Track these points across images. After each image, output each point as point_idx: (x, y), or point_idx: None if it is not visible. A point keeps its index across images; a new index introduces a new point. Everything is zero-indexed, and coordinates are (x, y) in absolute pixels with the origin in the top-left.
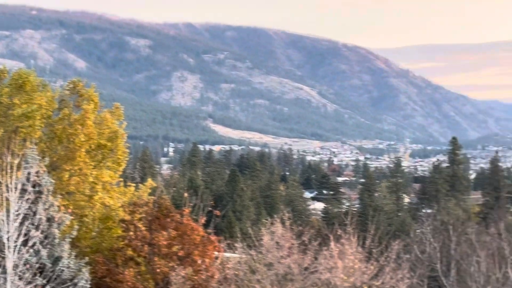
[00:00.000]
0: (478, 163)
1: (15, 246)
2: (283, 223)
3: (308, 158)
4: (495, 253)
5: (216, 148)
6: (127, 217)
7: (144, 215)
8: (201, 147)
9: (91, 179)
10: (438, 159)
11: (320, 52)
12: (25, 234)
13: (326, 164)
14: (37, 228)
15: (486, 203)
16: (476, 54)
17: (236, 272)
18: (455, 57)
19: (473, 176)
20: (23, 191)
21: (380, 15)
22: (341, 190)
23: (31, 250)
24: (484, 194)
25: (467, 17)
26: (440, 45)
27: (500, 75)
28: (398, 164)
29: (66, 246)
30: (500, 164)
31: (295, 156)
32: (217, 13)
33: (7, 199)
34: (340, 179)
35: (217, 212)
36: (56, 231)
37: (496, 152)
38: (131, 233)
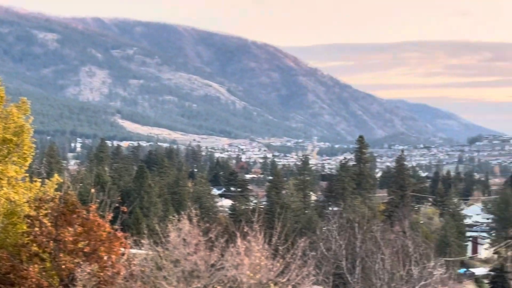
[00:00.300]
0: (384, 162)
1: None
2: (190, 219)
3: (217, 155)
4: (400, 251)
5: (124, 144)
6: (33, 213)
7: (50, 211)
8: (109, 143)
9: None
10: (345, 158)
11: (230, 50)
12: None
13: (234, 161)
14: None
15: (392, 201)
16: (383, 54)
17: (142, 269)
18: (363, 56)
19: (379, 174)
20: None
21: (289, 14)
22: (248, 187)
23: None
24: (389, 193)
25: (375, 17)
26: (348, 45)
27: (406, 75)
28: (305, 162)
29: None
30: (405, 163)
31: (203, 153)
32: (127, 8)
33: None
34: (248, 176)
35: (124, 208)
36: None
37: (402, 151)
38: (36, 229)
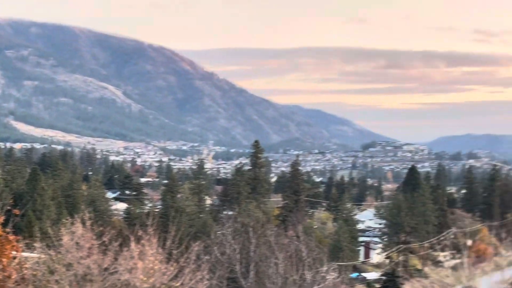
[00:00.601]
0: (279, 167)
1: None
2: (83, 223)
3: (112, 158)
4: (293, 255)
5: (17, 146)
6: None
7: None
8: (1, 144)
9: None
10: (240, 162)
11: (126, 52)
12: None
13: (129, 165)
14: None
15: (286, 206)
16: (279, 59)
17: (34, 272)
18: (259, 61)
19: (274, 179)
20: None
21: (186, 17)
22: (144, 190)
23: None
24: (284, 197)
25: (271, 22)
26: (245, 49)
27: (302, 81)
28: (201, 166)
29: None
30: (300, 168)
31: (98, 156)
32: (21, 8)
33: None
34: (143, 179)
35: (16, 211)
36: None
37: (297, 156)
38: None
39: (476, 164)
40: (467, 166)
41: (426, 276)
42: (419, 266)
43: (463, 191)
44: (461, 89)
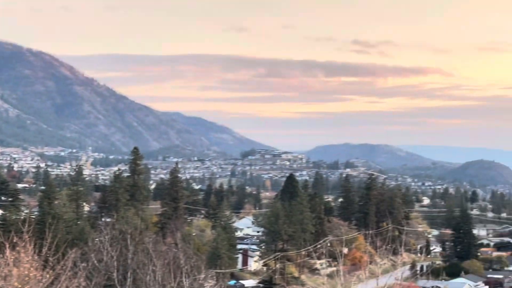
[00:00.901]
0: (158, 174)
1: None
2: None
3: None
4: (171, 263)
5: None
6: None
7: None
8: None
9: None
10: (119, 169)
11: (3, 56)
12: None
13: (5, 170)
14: None
15: (165, 213)
16: (160, 66)
17: None
18: (140, 68)
19: (153, 186)
20: None
21: (66, 22)
22: (20, 197)
23: None
24: (163, 204)
25: (152, 29)
26: (126, 56)
27: (182, 88)
28: (79, 172)
29: None
30: (179, 175)
31: None
32: None
33: None
34: (20, 185)
35: None
36: None
37: (176, 163)
38: None
39: (353, 173)
40: (344, 175)
41: (302, 284)
42: (296, 274)
43: (340, 199)
44: (339, 99)
